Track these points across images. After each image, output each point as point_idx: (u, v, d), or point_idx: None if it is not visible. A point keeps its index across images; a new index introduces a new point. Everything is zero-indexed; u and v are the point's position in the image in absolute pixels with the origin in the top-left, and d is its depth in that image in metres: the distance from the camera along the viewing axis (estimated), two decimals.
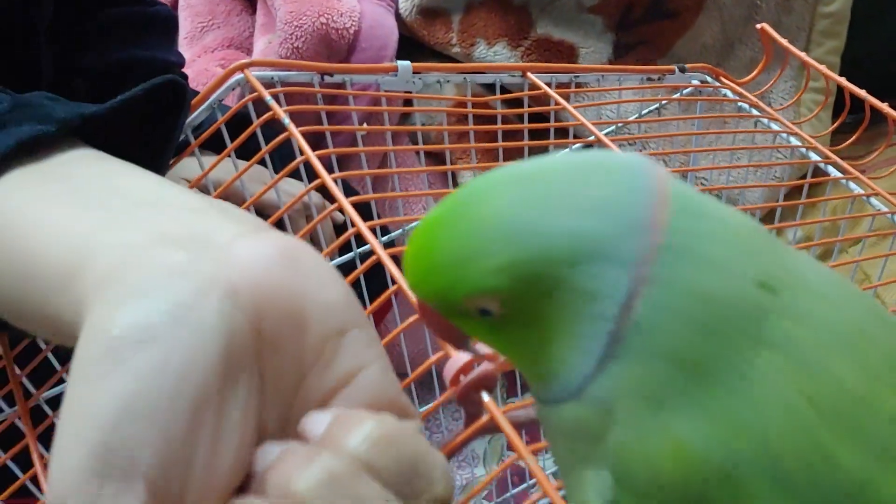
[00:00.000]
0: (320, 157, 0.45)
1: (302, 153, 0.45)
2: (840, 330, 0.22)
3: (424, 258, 0.24)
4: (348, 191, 0.71)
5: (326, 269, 0.26)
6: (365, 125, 0.76)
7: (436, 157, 0.91)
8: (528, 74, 0.58)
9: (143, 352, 0.22)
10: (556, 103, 0.55)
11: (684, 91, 0.63)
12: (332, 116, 0.68)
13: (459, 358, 0.35)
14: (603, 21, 0.93)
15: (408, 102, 0.65)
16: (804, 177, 0.62)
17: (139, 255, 0.24)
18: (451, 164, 0.88)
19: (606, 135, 0.56)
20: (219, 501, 0.23)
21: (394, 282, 0.38)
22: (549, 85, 0.57)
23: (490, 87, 0.78)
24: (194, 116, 0.50)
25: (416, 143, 0.80)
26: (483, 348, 0.32)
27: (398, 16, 0.95)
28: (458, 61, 0.93)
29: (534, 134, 0.58)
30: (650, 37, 0.94)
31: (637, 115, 0.64)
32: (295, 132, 0.45)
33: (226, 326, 0.23)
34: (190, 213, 0.27)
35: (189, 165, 0.57)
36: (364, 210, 0.51)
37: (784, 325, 0.22)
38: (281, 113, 0.46)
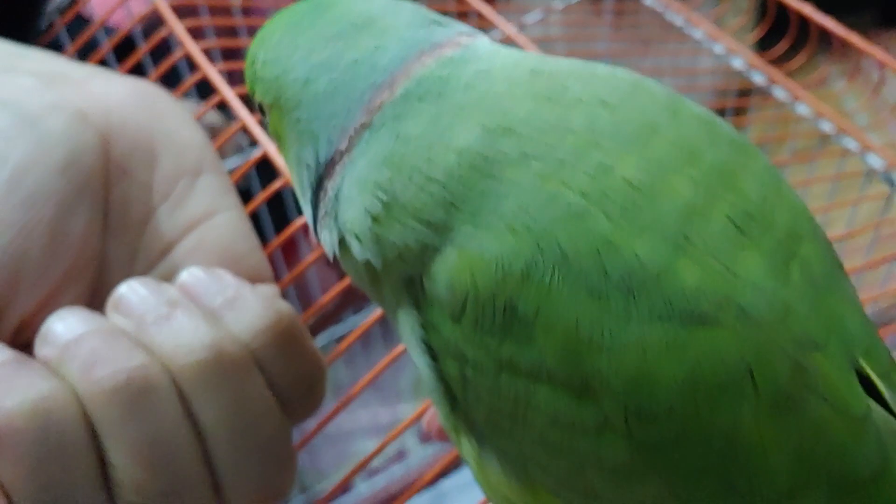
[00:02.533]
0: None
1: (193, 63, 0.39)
2: (616, 128, 0.21)
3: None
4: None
5: (183, 113, 0.26)
6: None
7: None
8: None
9: None
10: None
11: None
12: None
13: None
14: None
15: None
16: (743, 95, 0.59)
17: None
18: None
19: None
20: (49, 305, 0.23)
21: (300, 211, 0.34)
22: None
23: None
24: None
25: None
26: None
27: None
28: None
29: None
30: None
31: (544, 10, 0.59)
32: (165, 8, 0.40)
33: (72, 139, 0.23)
34: (50, 58, 0.26)
35: None
36: None
37: (536, 143, 0.20)
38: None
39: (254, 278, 0.26)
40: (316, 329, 0.34)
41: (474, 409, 0.22)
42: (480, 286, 0.20)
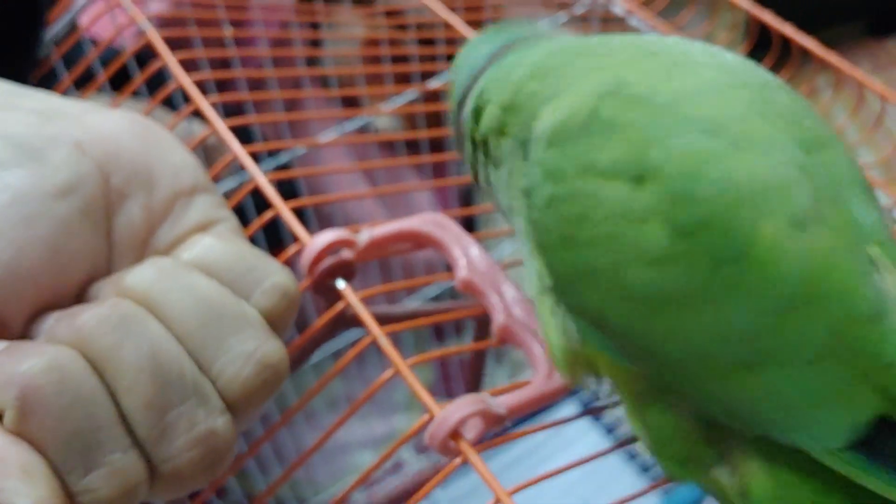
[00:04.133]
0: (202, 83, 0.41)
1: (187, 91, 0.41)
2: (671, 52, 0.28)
3: None
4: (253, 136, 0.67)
5: (174, 139, 0.29)
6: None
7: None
8: None
9: None
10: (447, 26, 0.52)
11: (576, 9, 0.61)
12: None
13: (315, 245, 0.32)
14: None
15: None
16: None
17: None
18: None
19: None
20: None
21: (295, 239, 0.35)
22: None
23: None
24: (55, 31, 0.47)
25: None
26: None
27: None
28: None
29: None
30: None
31: None
32: (158, 41, 0.41)
33: (72, 168, 0.25)
34: (47, 96, 0.28)
35: None
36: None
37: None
38: (139, 16, 0.42)
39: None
40: (311, 346, 0.35)
41: (552, 229, 0.26)
42: (575, 107, 0.26)
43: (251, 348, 0.25)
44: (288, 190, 0.37)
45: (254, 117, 0.46)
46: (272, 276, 0.27)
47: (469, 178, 0.34)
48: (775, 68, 0.62)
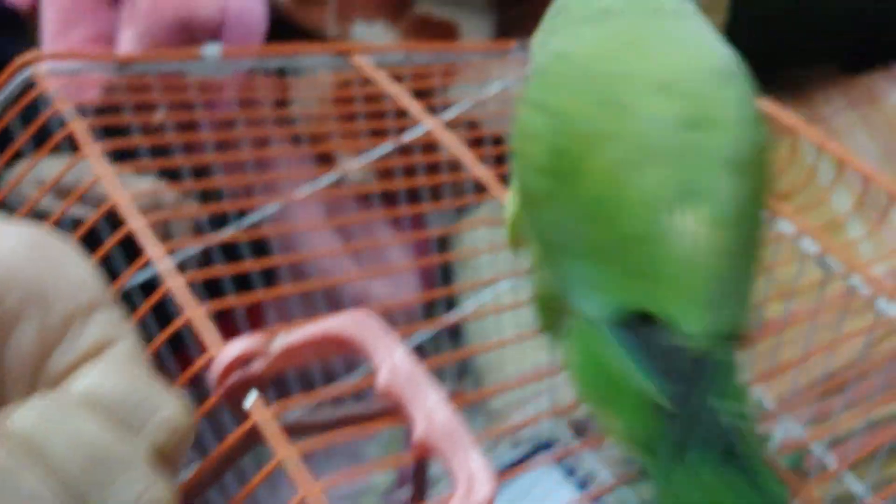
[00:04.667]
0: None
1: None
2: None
3: None
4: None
5: (72, 253, 0.28)
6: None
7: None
8: (355, 57, 0.53)
9: None
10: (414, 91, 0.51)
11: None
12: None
13: (223, 359, 0.31)
14: None
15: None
16: None
17: None
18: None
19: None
20: None
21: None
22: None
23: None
24: None
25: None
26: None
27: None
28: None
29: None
30: (534, 14, 0.89)
31: (474, 99, 0.60)
32: (76, 126, 0.41)
33: None
34: None
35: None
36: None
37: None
38: (64, 105, 0.42)
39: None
40: (224, 463, 0.34)
41: (512, 137, 0.34)
42: (542, 58, 0.36)
43: (137, 493, 0.24)
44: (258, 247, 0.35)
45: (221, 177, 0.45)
46: (163, 409, 0.26)
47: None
48: None
